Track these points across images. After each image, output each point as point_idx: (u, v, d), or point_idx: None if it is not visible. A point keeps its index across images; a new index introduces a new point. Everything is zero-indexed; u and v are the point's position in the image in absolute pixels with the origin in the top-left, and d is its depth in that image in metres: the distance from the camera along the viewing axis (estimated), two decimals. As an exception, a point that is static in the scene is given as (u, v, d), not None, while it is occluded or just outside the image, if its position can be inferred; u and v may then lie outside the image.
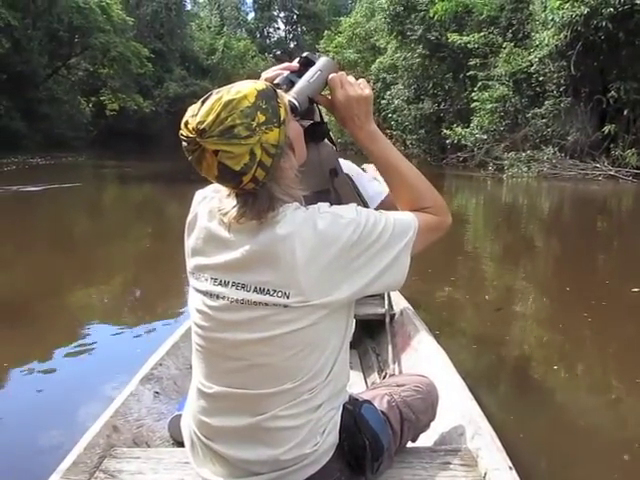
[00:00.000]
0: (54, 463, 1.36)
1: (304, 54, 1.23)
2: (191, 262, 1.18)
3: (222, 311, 1.11)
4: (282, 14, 60.00)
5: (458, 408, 1.59)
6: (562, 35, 14.44)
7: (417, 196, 1.20)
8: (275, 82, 1.18)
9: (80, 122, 31.88)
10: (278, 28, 61.21)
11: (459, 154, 19.65)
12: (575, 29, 14.20)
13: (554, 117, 16.30)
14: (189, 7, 48.26)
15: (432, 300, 4.17)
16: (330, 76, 1.19)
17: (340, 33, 30.97)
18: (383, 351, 2.44)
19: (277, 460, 1.11)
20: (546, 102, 16.35)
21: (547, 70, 16.18)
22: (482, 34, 18.39)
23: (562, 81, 16.05)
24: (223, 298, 1.10)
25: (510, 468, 1.29)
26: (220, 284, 1.10)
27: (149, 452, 1.49)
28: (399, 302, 2.75)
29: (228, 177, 1.04)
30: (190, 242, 1.18)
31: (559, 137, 16.36)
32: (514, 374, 3.06)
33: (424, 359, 2.07)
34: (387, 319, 2.56)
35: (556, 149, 15.65)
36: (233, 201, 1.09)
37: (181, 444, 1.44)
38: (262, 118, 1.01)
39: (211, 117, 0.99)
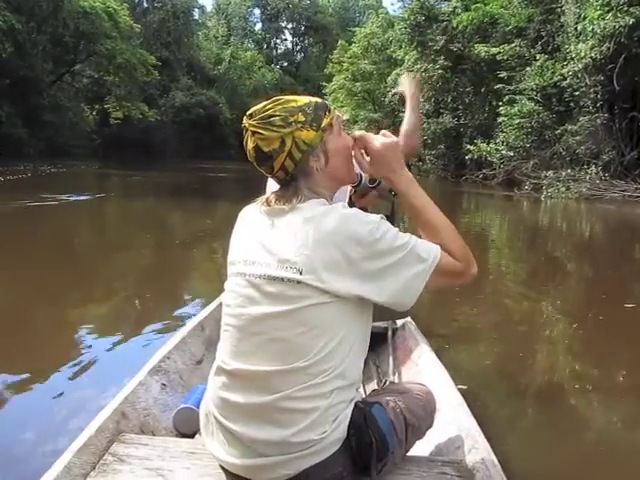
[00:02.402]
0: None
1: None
2: (232, 253, 1.29)
3: (249, 287, 1.19)
4: (290, 25, 59.67)
5: (456, 422, 1.62)
6: (604, 47, 13.54)
7: (442, 241, 1.23)
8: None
9: (83, 130, 31.20)
10: (285, 39, 61.01)
11: (484, 171, 18.74)
12: (618, 41, 13.32)
13: (588, 134, 15.37)
14: (197, 16, 47.83)
15: (442, 315, 4.13)
16: (355, 140, 1.31)
17: (353, 43, 30.34)
18: (383, 363, 2.46)
19: (286, 442, 1.13)
20: (581, 118, 15.40)
21: (582, 84, 15.27)
22: (512, 45, 17.56)
23: (599, 96, 15.13)
24: (251, 275, 1.19)
25: None
26: (249, 263, 1.20)
27: (156, 440, 1.51)
28: (402, 316, 2.77)
29: (260, 158, 1.21)
30: (234, 237, 1.32)
31: (591, 156, 15.45)
32: (517, 392, 2.96)
33: (424, 373, 2.11)
34: (389, 332, 2.59)
35: (599, 169, 14.63)
36: (275, 193, 1.26)
37: (185, 436, 1.65)
38: (301, 118, 1.18)
39: (260, 107, 1.20)
